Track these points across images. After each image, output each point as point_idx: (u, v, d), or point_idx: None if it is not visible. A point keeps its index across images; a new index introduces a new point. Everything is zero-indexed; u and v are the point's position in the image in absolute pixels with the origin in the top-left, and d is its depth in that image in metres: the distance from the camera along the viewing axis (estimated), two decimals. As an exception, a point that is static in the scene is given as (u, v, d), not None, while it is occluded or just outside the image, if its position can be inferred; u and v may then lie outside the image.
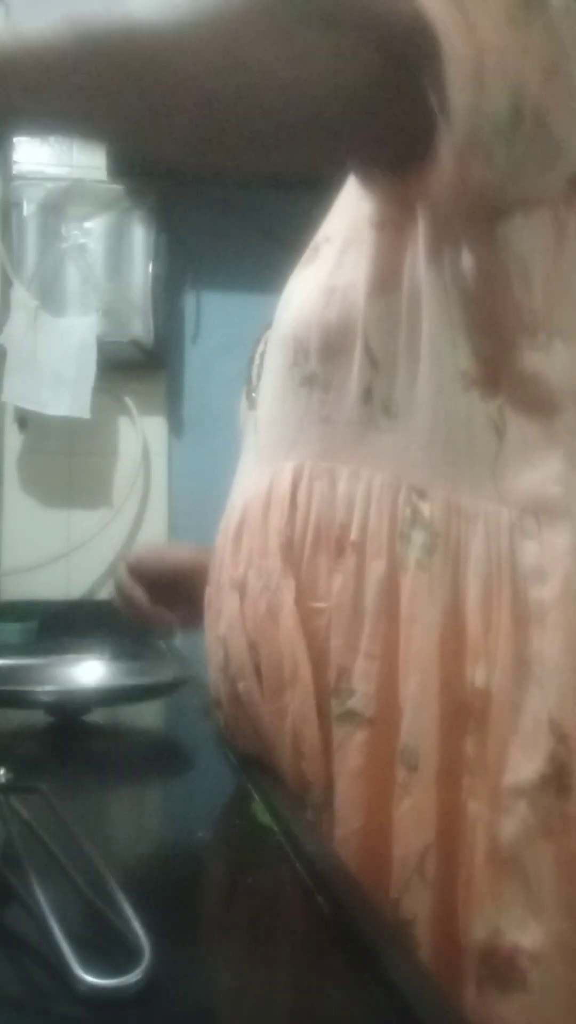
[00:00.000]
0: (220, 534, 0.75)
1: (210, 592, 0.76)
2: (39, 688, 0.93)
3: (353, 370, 0.65)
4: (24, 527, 1.91)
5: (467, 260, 0.61)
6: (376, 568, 0.62)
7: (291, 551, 0.66)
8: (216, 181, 1.89)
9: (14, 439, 1.93)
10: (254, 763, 0.72)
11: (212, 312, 2.01)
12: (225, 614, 0.72)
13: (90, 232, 1.94)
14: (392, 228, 0.64)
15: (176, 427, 1.98)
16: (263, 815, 0.62)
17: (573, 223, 0.60)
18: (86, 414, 1.80)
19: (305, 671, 0.64)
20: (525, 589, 0.59)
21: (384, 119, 0.51)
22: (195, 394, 1.99)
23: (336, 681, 0.63)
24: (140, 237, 1.94)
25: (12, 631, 1.71)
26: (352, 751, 0.61)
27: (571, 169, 0.57)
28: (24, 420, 1.89)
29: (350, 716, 0.62)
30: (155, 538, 1.94)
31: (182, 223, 1.95)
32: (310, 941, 0.47)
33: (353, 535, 0.63)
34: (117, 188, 1.94)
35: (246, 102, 0.47)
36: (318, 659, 0.64)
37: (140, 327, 1.89)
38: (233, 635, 0.71)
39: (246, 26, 0.46)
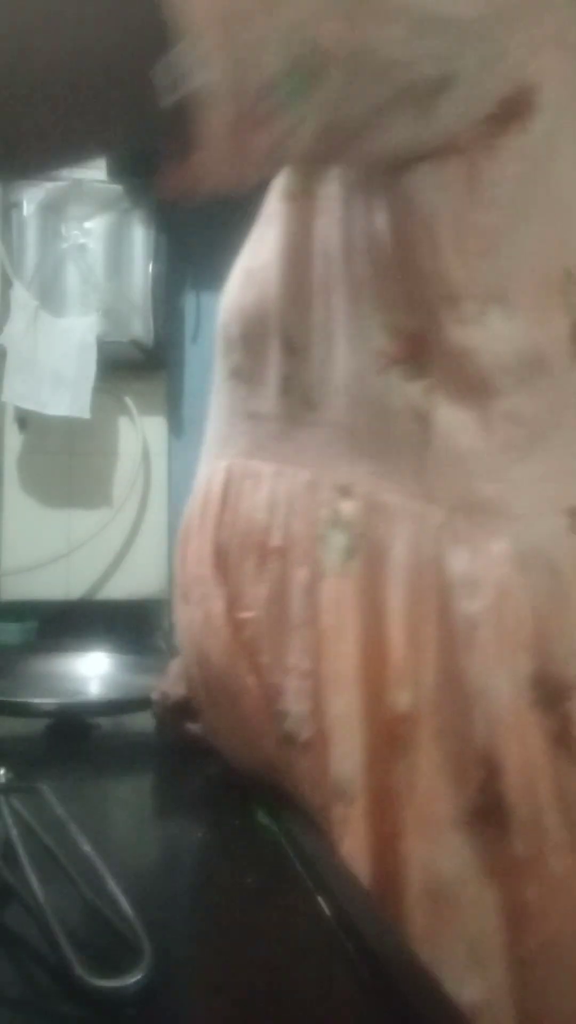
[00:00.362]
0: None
1: (174, 604, 0.71)
2: (42, 700, 0.92)
3: (271, 359, 0.60)
4: (24, 527, 1.91)
5: (378, 222, 0.54)
6: (300, 576, 0.56)
7: (221, 558, 0.61)
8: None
9: (14, 439, 1.93)
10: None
11: (212, 312, 2.00)
12: (179, 628, 0.68)
13: (90, 232, 1.94)
14: (303, 198, 0.58)
15: (176, 427, 1.98)
16: (263, 815, 0.62)
17: (487, 171, 0.51)
18: (86, 414, 1.80)
19: (251, 681, 0.59)
20: (453, 600, 0.52)
21: (128, 91, 0.42)
22: (195, 394, 1.98)
23: (272, 700, 0.57)
24: (140, 237, 1.94)
25: (12, 631, 1.71)
26: (297, 779, 0.56)
27: (464, 102, 0.49)
28: (24, 420, 1.89)
29: (288, 740, 0.56)
30: (155, 538, 1.94)
31: (182, 223, 1.95)
32: (310, 941, 0.47)
33: (276, 540, 0.58)
34: (117, 188, 1.94)
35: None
36: (260, 673, 0.59)
37: (140, 327, 1.89)
38: (187, 649, 0.67)
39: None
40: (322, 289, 0.57)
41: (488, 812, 0.50)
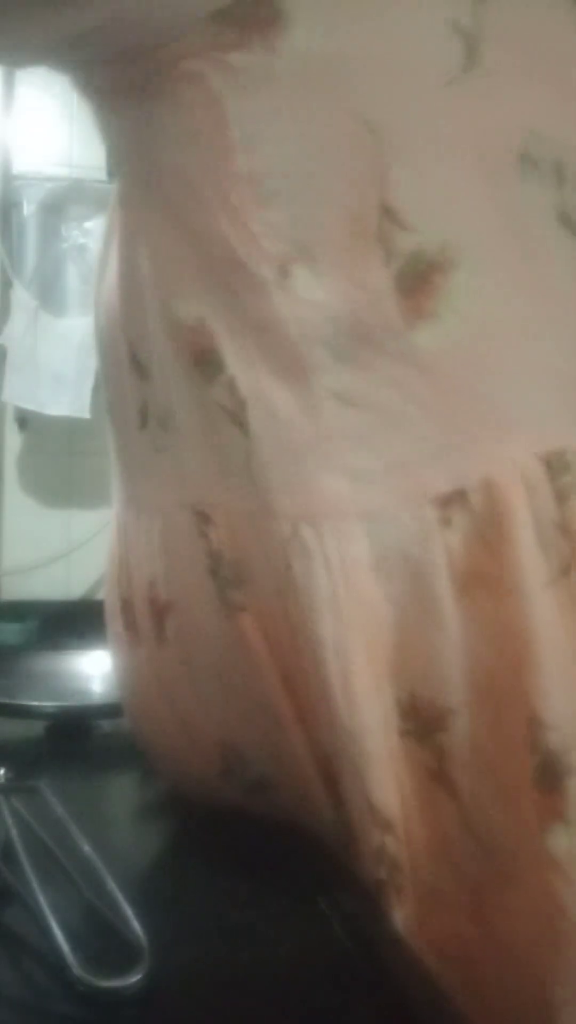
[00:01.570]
0: None
1: None
2: (41, 704, 0.92)
3: (127, 390, 0.53)
4: (24, 527, 1.91)
5: (149, 196, 0.47)
6: (197, 621, 0.50)
7: (128, 615, 0.56)
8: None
9: (14, 439, 1.93)
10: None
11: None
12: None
13: (90, 232, 1.94)
14: (136, 201, 0.50)
15: (176, 427, 1.98)
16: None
17: (236, 104, 0.42)
18: (86, 414, 1.80)
19: (183, 741, 0.54)
20: (313, 626, 0.43)
21: None
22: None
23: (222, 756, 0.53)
24: (140, 237, 1.94)
25: (12, 631, 1.71)
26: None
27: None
28: (24, 420, 1.89)
29: (255, 787, 0.53)
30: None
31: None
32: (310, 941, 0.47)
33: (163, 595, 0.51)
34: (117, 188, 1.94)
35: None
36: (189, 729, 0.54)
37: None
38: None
39: None
40: (144, 288, 0.49)
41: (389, 884, 0.43)
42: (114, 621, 0.58)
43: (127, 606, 0.56)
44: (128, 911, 0.43)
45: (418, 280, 0.42)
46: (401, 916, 0.42)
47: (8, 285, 1.89)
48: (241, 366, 0.45)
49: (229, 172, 0.42)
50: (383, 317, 0.43)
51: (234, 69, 0.41)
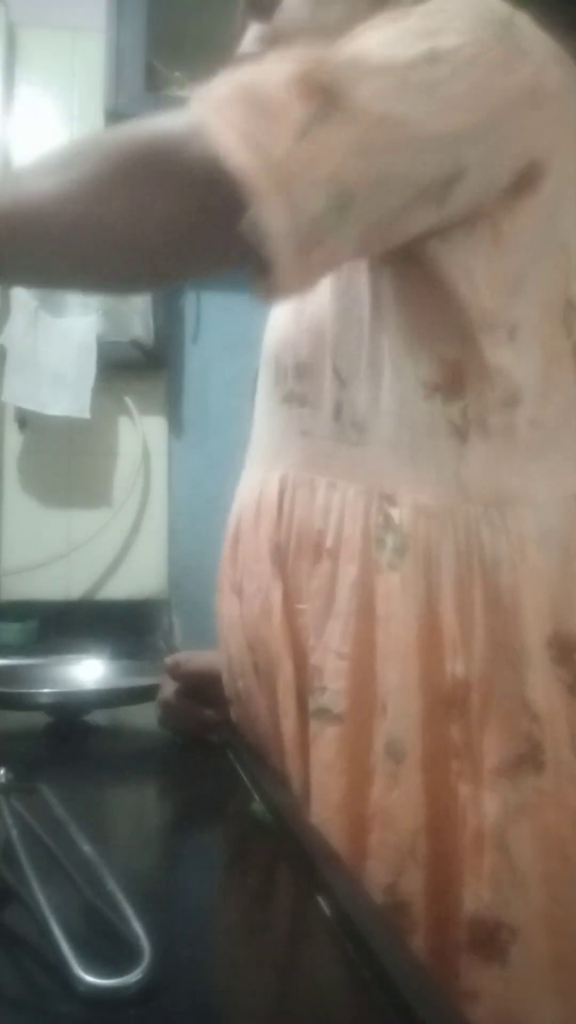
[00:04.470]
0: (224, 542, 0.79)
1: (218, 598, 0.79)
2: (39, 690, 0.93)
3: (324, 387, 0.69)
4: (24, 527, 1.91)
5: (423, 271, 0.64)
6: (349, 572, 0.65)
7: (279, 555, 0.70)
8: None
9: (14, 439, 1.92)
10: (255, 762, 0.72)
11: (212, 312, 2.01)
12: (226, 617, 0.76)
13: (90, 232, 1.94)
14: (398, 270, 0.68)
15: (176, 427, 1.98)
16: (263, 815, 0.62)
17: (508, 226, 0.63)
18: (86, 414, 1.80)
19: (288, 667, 0.68)
20: (496, 579, 0.62)
21: (215, 251, 0.58)
22: (195, 394, 1.99)
23: (311, 679, 0.66)
24: (140, 237, 1.94)
25: (12, 631, 1.71)
26: (323, 746, 0.64)
27: (471, 192, 0.61)
28: (24, 420, 1.89)
29: (322, 712, 0.64)
30: (155, 538, 1.94)
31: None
32: (310, 941, 0.47)
33: (328, 542, 0.67)
34: (117, 188, 1.94)
35: (107, 249, 0.57)
36: (302, 657, 0.68)
37: (140, 327, 1.89)
38: (233, 636, 0.75)
39: (100, 194, 0.54)
40: (371, 329, 0.67)
41: (530, 756, 0.59)
42: (258, 562, 0.72)
43: (278, 548, 0.70)
44: (128, 911, 0.43)
45: None
46: (537, 782, 0.59)
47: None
48: (473, 396, 0.64)
49: (497, 265, 0.63)
50: (563, 371, 0.65)
51: (513, 209, 0.63)
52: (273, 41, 0.74)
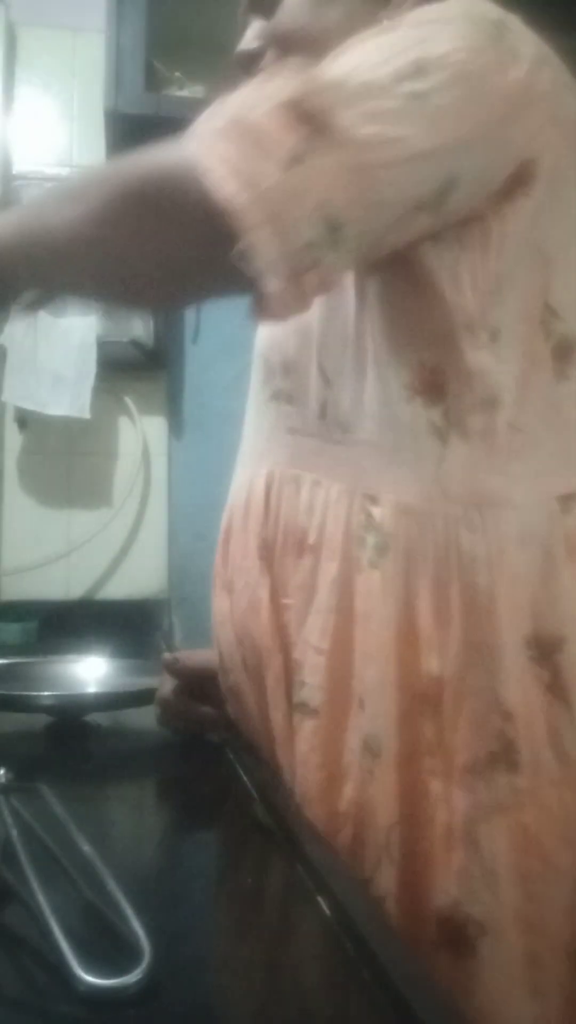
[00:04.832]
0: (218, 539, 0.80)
1: (212, 595, 0.79)
2: (39, 692, 0.92)
3: (311, 385, 0.71)
4: (24, 527, 1.91)
5: (409, 274, 0.66)
6: (329, 569, 0.66)
7: (267, 551, 0.71)
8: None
9: (14, 439, 1.93)
10: (255, 762, 0.72)
11: (212, 312, 2.00)
12: (218, 614, 0.77)
13: (90, 232, 1.94)
14: (382, 276, 0.69)
15: (176, 427, 1.98)
16: (263, 815, 0.62)
17: (497, 229, 0.64)
18: (86, 414, 1.80)
19: (277, 661, 0.69)
20: (473, 579, 0.62)
21: (212, 280, 0.61)
22: (195, 394, 1.98)
23: (292, 673, 0.67)
24: (140, 237, 1.94)
25: (12, 631, 1.72)
26: (302, 740, 0.65)
27: (465, 198, 0.61)
28: (24, 420, 1.89)
29: (301, 706, 0.66)
30: (155, 538, 1.94)
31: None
32: (309, 941, 0.47)
33: (311, 539, 0.68)
34: (117, 188, 1.94)
35: (112, 276, 0.61)
36: (288, 650, 0.69)
37: (140, 327, 1.89)
38: (224, 632, 0.76)
39: (105, 229, 0.57)
40: (355, 330, 0.68)
41: (503, 755, 0.60)
42: (246, 557, 0.73)
43: (265, 543, 0.71)
44: (128, 911, 0.43)
45: (565, 352, 0.66)
46: (513, 781, 0.59)
47: (8, 285, 1.89)
48: (453, 399, 0.65)
49: (484, 269, 0.64)
50: (542, 374, 0.65)
51: (503, 212, 0.64)
52: (273, 39, 0.75)
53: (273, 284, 0.55)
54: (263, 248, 0.54)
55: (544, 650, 0.62)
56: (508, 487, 0.64)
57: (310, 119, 0.55)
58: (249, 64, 0.76)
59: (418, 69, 0.58)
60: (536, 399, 0.65)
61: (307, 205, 0.55)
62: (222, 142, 0.55)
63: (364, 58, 0.59)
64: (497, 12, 0.63)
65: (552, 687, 0.61)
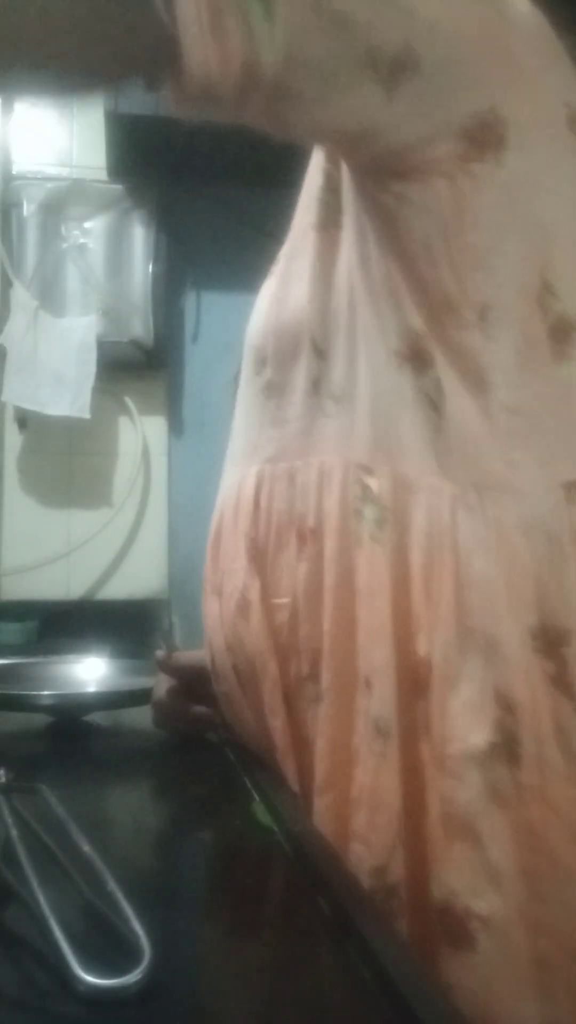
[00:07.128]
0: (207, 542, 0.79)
1: (203, 600, 0.78)
2: (39, 692, 0.93)
3: (302, 367, 0.69)
4: (24, 527, 1.91)
5: (385, 243, 0.63)
6: (331, 547, 0.64)
7: (256, 551, 0.70)
8: (215, 181, 1.89)
9: (14, 439, 1.93)
10: (254, 762, 0.72)
11: (212, 312, 2.01)
12: (208, 619, 0.75)
13: (90, 232, 1.94)
14: (332, 228, 0.69)
15: (176, 427, 1.98)
16: (263, 815, 0.62)
17: (471, 192, 0.60)
18: (86, 414, 1.80)
19: (272, 666, 0.67)
20: (468, 562, 0.60)
21: (125, 43, 0.54)
22: (195, 394, 1.99)
23: (310, 666, 0.65)
24: (140, 237, 1.94)
25: (12, 631, 1.72)
26: (309, 726, 0.64)
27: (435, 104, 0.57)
28: (24, 420, 1.89)
29: (306, 693, 0.64)
30: (155, 538, 1.94)
31: (182, 223, 1.95)
32: (310, 941, 0.47)
33: (311, 522, 0.65)
34: (117, 188, 1.94)
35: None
36: (283, 653, 0.67)
37: (140, 327, 1.89)
38: (214, 638, 0.74)
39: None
40: (346, 301, 0.66)
41: (503, 747, 0.57)
42: (235, 559, 0.71)
43: (255, 544, 0.69)
44: (128, 911, 0.43)
45: (563, 332, 0.61)
46: (515, 774, 0.57)
47: (8, 285, 1.89)
48: (444, 370, 0.62)
49: (459, 241, 0.60)
50: (539, 355, 0.61)
51: (473, 174, 0.59)
52: None
53: (192, 32, 0.50)
54: None
55: (550, 642, 0.59)
56: (511, 473, 0.61)
57: None
58: None
59: None
60: (535, 382, 0.62)
61: None
62: None
63: None
64: None
65: (558, 681, 0.58)
